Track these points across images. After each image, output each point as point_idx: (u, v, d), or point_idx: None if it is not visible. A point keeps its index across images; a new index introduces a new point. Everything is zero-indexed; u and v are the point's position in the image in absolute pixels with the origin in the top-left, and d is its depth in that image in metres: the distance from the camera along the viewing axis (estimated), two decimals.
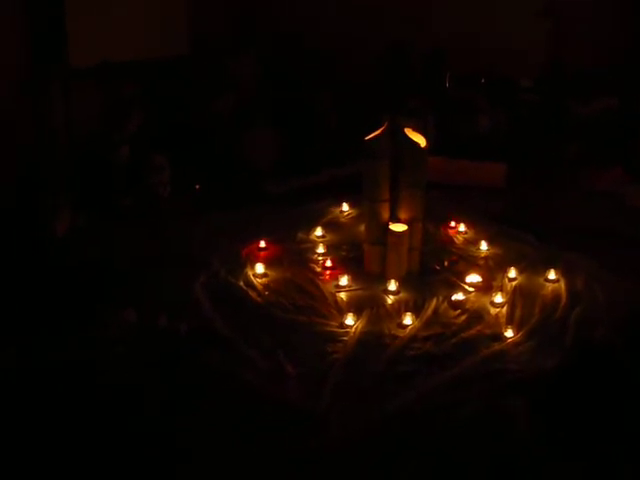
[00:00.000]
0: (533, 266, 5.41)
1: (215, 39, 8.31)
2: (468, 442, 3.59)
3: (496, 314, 4.78)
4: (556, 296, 5.06)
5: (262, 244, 5.64)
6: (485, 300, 4.94)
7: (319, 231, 5.89)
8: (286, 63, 8.71)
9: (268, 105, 8.04)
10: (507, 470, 3.41)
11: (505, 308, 4.85)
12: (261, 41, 8.82)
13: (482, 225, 6.12)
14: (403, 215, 5.14)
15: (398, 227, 5.09)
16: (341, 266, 5.34)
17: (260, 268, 5.24)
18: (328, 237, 5.87)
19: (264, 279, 5.17)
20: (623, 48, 8.91)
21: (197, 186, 6.72)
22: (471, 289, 5.07)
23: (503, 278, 5.22)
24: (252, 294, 4.99)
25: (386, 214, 5.16)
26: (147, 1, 7.68)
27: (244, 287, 5.08)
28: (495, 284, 5.15)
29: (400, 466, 3.40)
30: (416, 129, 5.31)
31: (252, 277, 5.19)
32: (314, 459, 3.46)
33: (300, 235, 5.91)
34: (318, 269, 5.34)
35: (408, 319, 4.61)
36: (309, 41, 8.79)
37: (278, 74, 8.53)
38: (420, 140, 5.13)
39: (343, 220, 6.27)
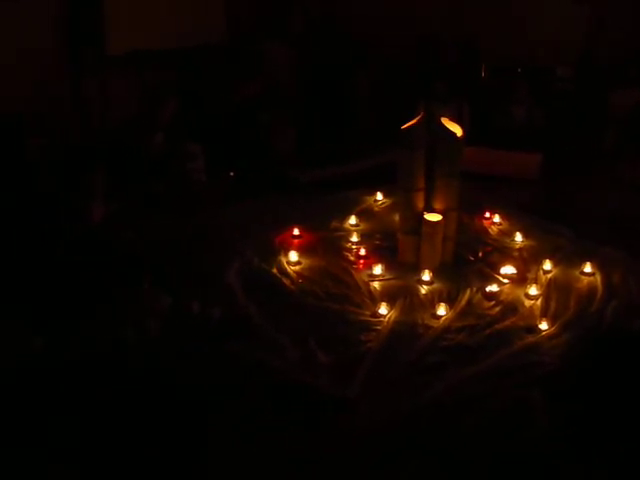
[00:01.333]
0: (568, 259, 5.37)
1: (249, 25, 8.32)
2: (480, 439, 3.57)
3: (530, 306, 4.76)
4: (592, 289, 5.03)
5: (296, 232, 5.64)
6: (519, 292, 4.91)
7: (353, 220, 5.89)
8: (322, 49, 8.69)
9: (300, 92, 8.04)
10: (510, 469, 3.41)
11: (540, 300, 4.82)
12: (296, 26, 8.80)
13: (517, 216, 6.08)
14: (438, 205, 5.11)
15: (433, 217, 5.06)
16: (375, 255, 5.34)
17: (294, 256, 5.24)
18: (362, 226, 5.86)
19: (297, 267, 5.18)
20: None
21: (231, 173, 6.73)
22: (505, 280, 5.04)
23: (538, 270, 5.19)
24: (285, 282, 5.01)
25: (421, 204, 5.14)
26: None
27: (278, 274, 5.09)
28: (530, 276, 5.11)
29: (402, 464, 3.40)
30: (452, 118, 5.28)
31: (286, 265, 5.20)
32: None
33: (334, 223, 5.90)
34: (352, 258, 5.34)
35: (442, 310, 4.60)
36: (344, 27, 8.79)
37: (314, 60, 8.51)
38: (457, 130, 5.09)
39: (377, 209, 6.25)
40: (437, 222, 5.05)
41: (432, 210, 5.12)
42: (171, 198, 6.33)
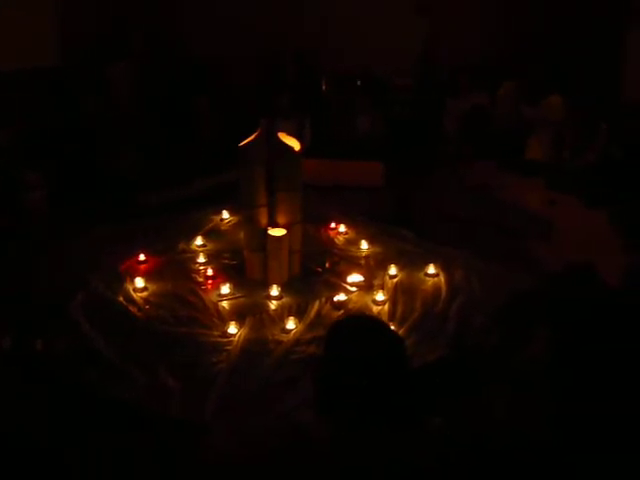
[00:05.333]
0: (413, 262, 5.50)
1: (88, 44, 8.13)
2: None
3: (378, 312, 4.83)
4: (436, 290, 5.17)
5: (141, 257, 5.51)
6: (367, 299, 4.99)
7: (199, 240, 5.81)
8: (164, 68, 8.60)
9: (143, 112, 7.92)
10: None
11: (387, 305, 4.91)
12: (137, 45, 8.67)
13: (362, 225, 6.19)
14: (281, 219, 5.13)
15: (277, 232, 5.07)
16: (223, 274, 5.29)
17: (140, 282, 5.11)
18: (209, 246, 5.79)
19: (144, 293, 5.06)
20: (495, 47, 9.18)
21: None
22: (353, 289, 5.11)
23: (384, 276, 5.29)
24: (132, 309, 4.87)
25: (264, 220, 5.13)
26: (15, 11, 7.41)
27: (124, 302, 4.95)
28: (376, 282, 5.20)
29: None
30: (290, 133, 5.32)
31: (132, 292, 5.06)
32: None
33: (181, 245, 5.81)
34: (200, 279, 5.26)
35: (291, 323, 4.60)
36: (187, 46, 8.73)
37: (156, 80, 8.40)
38: (294, 144, 5.13)
39: (224, 228, 6.21)
40: (281, 237, 5.06)
41: (276, 225, 5.13)
42: (12, 229, 6.06)
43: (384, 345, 2.25)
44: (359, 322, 2.51)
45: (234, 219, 6.25)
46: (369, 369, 2.18)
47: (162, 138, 7.58)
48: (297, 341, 4.47)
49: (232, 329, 4.54)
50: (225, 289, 5.01)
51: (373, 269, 5.43)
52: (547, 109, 7.92)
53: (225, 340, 4.48)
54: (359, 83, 9.29)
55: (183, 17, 8.94)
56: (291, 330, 4.57)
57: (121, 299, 4.99)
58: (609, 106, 7.85)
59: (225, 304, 4.92)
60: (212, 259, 5.54)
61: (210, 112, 8.22)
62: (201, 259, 5.50)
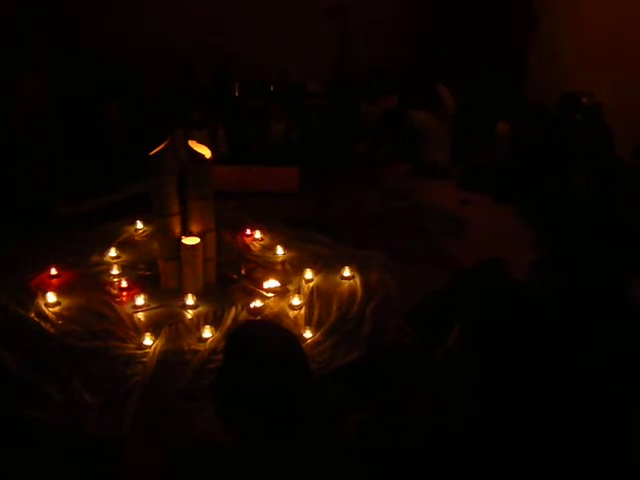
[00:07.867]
0: (329, 265, 5.55)
1: None
2: None
3: (295, 316, 4.86)
4: (352, 292, 5.22)
5: (53, 271, 5.38)
6: (284, 304, 5.01)
7: (113, 252, 5.72)
8: (74, 78, 8.45)
9: (54, 123, 7.77)
10: None
11: (303, 310, 4.94)
12: (45, 55, 8.50)
13: (277, 230, 6.20)
14: (195, 228, 5.10)
15: (191, 240, 5.04)
16: (137, 286, 5.22)
17: (52, 297, 5.00)
18: (123, 257, 5.70)
19: (57, 308, 4.94)
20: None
21: None
22: (269, 294, 5.12)
23: (300, 280, 5.31)
24: (45, 325, 4.76)
25: (177, 228, 5.09)
26: None
27: (36, 319, 4.82)
28: (292, 287, 5.22)
29: None
30: (202, 141, 5.30)
31: (44, 307, 4.94)
32: None
33: (94, 258, 5.69)
34: (114, 291, 5.18)
35: (207, 332, 4.58)
36: (98, 55, 8.62)
37: (66, 90, 8.26)
38: (205, 151, 5.11)
39: (138, 238, 6.11)
40: (195, 245, 5.03)
41: (190, 234, 5.10)
42: None
43: (284, 349, 2.26)
44: (256, 328, 2.51)
45: (148, 229, 6.15)
46: (270, 374, 2.19)
47: (72, 147, 7.45)
48: (214, 350, 4.44)
49: (147, 340, 4.50)
50: (140, 300, 4.95)
51: (289, 274, 5.45)
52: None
53: (141, 352, 4.43)
54: (272, 89, 9.33)
55: (98, 21, 8.82)
56: (207, 339, 4.55)
57: (33, 315, 4.87)
58: (513, 107, 8.08)
59: (141, 315, 4.86)
60: (126, 270, 5.46)
61: (121, 117, 8.12)
62: (115, 271, 5.41)
